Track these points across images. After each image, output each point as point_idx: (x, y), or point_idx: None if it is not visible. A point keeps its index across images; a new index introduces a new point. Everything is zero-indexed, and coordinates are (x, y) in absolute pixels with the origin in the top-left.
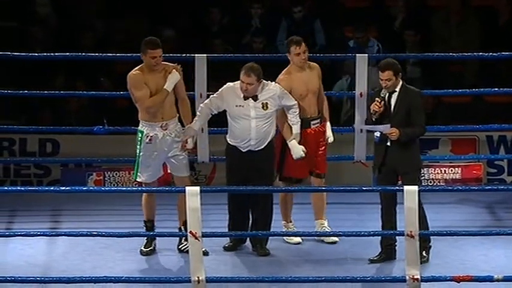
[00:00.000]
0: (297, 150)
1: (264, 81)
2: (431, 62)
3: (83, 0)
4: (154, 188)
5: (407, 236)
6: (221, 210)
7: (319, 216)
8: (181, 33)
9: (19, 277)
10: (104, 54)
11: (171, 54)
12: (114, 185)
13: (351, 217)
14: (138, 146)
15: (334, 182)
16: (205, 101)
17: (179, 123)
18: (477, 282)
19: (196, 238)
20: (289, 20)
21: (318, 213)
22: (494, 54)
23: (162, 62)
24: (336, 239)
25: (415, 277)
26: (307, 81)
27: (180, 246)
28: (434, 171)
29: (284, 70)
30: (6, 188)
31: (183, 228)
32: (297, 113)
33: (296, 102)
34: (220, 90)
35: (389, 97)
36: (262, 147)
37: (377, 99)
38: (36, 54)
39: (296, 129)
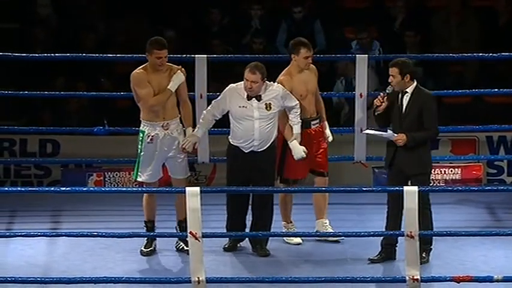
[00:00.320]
0: (298, 150)
1: (267, 82)
2: (432, 63)
3: (83, 1)
4: (154, 189)
5: (407, 236)
6: (221, 210)
7: (320, 216)
8: (182, 34)
9: (19, 277)
10: (104, 55)
11: (171, 55)
12: (114, 185)
13: (351, 217)
14: (139, 146)
15: (334, 183)
16: (208, 108)
17: (181, 124)
18: (477, 282)
19: (196, 239)
20: (289, 20)
21: (319, 213)
22: (494, 54)
23: (167, 63)
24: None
25: (415, 277)
26: (306, 81)
27: (177, 245)
28: (434, 171)
29: (284, 71)
30: (6, 188)
31: (177, 228)
32: (299, 113)
33: (298, 102)
34: (222, 92)
35: (402, 98)
36: (265, 148)
37: (381, 93)
38: (36, 55)
39: (297, 129)
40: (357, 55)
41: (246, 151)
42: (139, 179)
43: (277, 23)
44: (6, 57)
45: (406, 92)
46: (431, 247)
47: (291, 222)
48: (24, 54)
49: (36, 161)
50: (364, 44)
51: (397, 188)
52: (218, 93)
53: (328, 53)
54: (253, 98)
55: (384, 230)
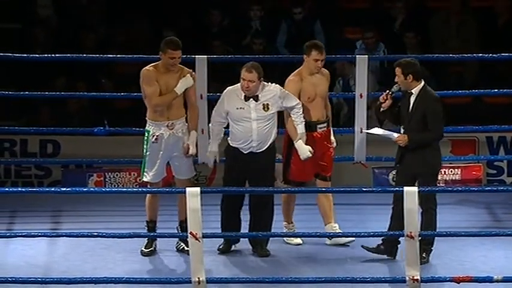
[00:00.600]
0: (304, 150)
1: (264, 82)
2: (432, 63)
3: (83, 1)
4: (155, 189)
5: (407, 236)
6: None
7: (328, 220)
8: (182, 35)
9: (20, 278)
10: (105, 56)
11: None
12: (114, 186)
13: (351, 218)
14: (144, 146)
15: (334, 183)
16: (211, 119)
17: (186, 124)
18: (477, 282)
19: (196, 239)
20: (289, 21)
21: (326, 217)
22: (494, 55)
23: (179, 65)
24: (351, 238)
25: (415, 278)
26: (316, 85)
27: (177, 246)
28: None
29: (295, 71)
30: (7, 189)
31: (179, 228)
32: (300, 113)
33: (299, 102)
34: (221, 96)
35: (409, 98)
36: (264, 148)
37: (387, 91)
38: (37, 55)
39: (301, 129)
40: (357, 55)
41: (245, 152)
42: (144, 179)
43: (277, 23)
44: (7, 58)
45: (411, 93)
46: (432, 248)
47: (291, 222)
48: (25, 55)
49: (37, 162)
50: (369, 44)
51: (397, 189)
52: (218, 94)
53: (328, 53)
54: (251, 99)
55: (384, 230)
